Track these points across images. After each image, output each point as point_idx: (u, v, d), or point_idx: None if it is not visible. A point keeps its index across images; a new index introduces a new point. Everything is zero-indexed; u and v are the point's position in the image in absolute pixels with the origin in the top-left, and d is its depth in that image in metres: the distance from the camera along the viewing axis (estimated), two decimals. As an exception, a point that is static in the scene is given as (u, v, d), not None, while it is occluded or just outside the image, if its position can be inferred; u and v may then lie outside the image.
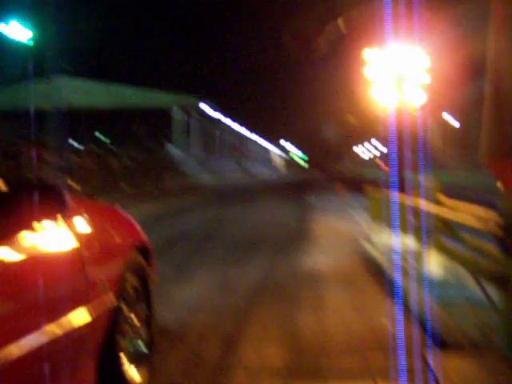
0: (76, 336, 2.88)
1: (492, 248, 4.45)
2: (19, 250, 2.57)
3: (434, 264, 6.35)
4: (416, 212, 6.64)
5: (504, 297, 4.07)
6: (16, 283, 2.49)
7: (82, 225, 3.10)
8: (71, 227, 2.95)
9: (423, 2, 8.73)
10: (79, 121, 30.94)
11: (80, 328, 2.90)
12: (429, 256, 6.35)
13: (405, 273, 6.24)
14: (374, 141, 52.65)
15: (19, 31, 21.96)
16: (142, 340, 3.73)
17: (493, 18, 3.86)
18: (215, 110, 44.50)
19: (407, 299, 5.31)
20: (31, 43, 21.25)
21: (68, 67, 28.44)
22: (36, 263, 2.66)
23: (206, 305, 5.83)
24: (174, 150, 35.83)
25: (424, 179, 6.86)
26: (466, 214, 5.10)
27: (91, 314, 2.98)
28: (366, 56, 10.97)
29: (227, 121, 50.39)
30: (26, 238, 2.58)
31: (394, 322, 4.64)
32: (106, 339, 3.17)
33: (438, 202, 6.31)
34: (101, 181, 20.09)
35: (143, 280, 3.83)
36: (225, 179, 39.18)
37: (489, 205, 4.73)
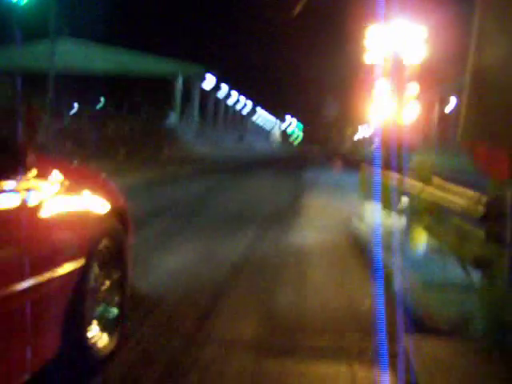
0: (41, 299, 2.83)
1: (476, 231, 4.37)
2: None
3: (420, 244, 6.28)
4: (402, 191, 6.56)
5: (484, 280, 4.01)
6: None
7: (49, 186, 3.01)
8: (34, 187, 2.87)
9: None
10: (79, 85, 30.69)
11: (45, 291, 2.84)
12: (414, 236, 6.27)
13: (390, 252, 6.16)
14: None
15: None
16: (113, 306, 3.67)
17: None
18: (221, 81, 44.13)
19: (390, 279, 5.23)
20: (22, 3, 20.74)
21: (70, 30, 28.14)
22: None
23: (186, 275, 5.77)
24: (173, 120, 35.54)
25: (415, 160, 6.77)
26: (453, 195, 5.01)
27: (57, 277, 2.91)
28: (366, 33, 10.83)
29: (233, 94, 50.01)
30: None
31: (374, 302, 4.58)
32: (72, 303, 3.10)
33: (428, 182, 6.21)
34: (96, 146, 19.97)
35: (118, 245, 3.75)
36: (224, 152, 38.98)
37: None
